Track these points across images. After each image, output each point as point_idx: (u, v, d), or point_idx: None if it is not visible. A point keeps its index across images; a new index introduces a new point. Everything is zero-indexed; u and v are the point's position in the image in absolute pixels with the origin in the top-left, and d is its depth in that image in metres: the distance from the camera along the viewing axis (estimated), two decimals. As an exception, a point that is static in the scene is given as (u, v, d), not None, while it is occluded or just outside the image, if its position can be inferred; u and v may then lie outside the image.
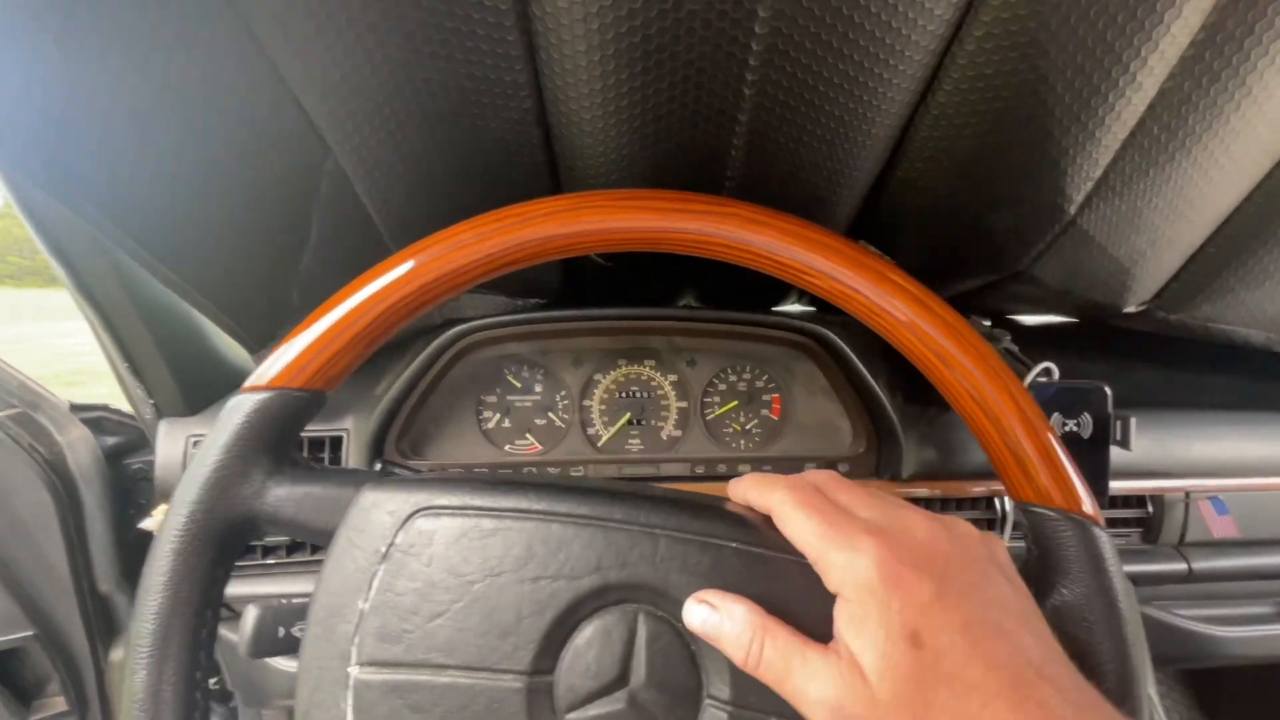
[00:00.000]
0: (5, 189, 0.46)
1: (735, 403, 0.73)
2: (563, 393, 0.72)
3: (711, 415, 0.73)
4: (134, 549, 0.76)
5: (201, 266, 0.48)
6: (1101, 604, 0.32)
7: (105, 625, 0.75)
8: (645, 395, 0.73)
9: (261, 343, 0.60)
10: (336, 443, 0.64)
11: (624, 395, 0.73)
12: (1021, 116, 0.45)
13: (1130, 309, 0.68)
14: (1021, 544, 0.58)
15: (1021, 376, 0.62)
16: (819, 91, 0.44)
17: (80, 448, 0.72)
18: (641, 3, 0.37)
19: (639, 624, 0.31)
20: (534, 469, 0.69)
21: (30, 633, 0.69)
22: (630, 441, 0.72)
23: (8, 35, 0.32)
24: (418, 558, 0.32)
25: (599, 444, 0.72)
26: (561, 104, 0.44)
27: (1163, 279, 0.64)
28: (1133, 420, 0.57)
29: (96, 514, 0.73)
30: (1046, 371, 0.61)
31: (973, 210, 0.58)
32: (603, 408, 0.72)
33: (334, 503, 0.34)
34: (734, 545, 0.31)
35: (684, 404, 0.73)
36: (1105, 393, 0.58)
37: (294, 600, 0.41)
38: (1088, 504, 0.33)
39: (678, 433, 0.73)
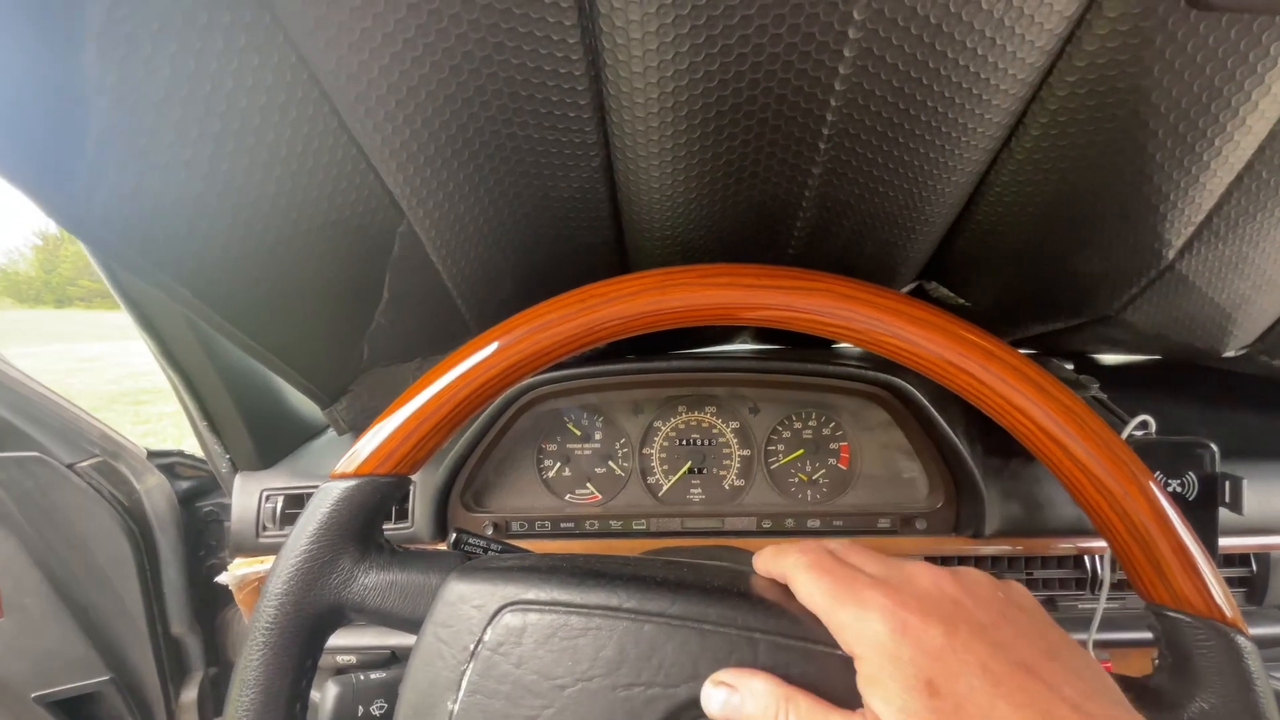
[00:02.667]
0: (100, 273, 0.48)
1: (801, 451, 0.71)
2: (622, 440, 0.71)
3: (776, 464, 0.71)
4: (205, 591, 0.78)
5: (279, 333, 0.49)
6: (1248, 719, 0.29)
7: (177, 667, 0.77)
8: (706, 443, 0.71)
9: (333, 397, 0.61)
10: (404, 495, 0.64)
11: (684, 443, 0.71)
12: (1116, 162, 0.43)
13: (1230, 353, 0.63)
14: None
15: (1116, 430, 0.58)
16: (898, 143, 0.43)
17: (157, 495, 0.75)
18: (717, 65, 0.36)
19: None
20: (595, 521, 0.68)
21: (106, 677, 0.71)
22: (691, 491, 0.71)
23: (108, 139, 0.33)
24: (507, 657, 0.31)
25: (659, 494, 0.70)
26: (629, 161, 0.44)
27: (1267, 323, 0.59)
28: (1244, 481, 0.53)
29: (170, 559, 0.75)
30: (1143, 425, 0.57)
31: (1057, 254, 0.55)
32: (663, 456, 0.71)
33: (419, 591, 0.34)
34: (839, 653, 0.29)
35: (746, 452, 0.71)
36: (1212, 450, 0.54)
37: (372, 676, 0.40)
38: (1230, 610, 0.30)
39: (740, 482, 0.71)
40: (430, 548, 0.53)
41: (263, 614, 0.32)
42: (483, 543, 0.45)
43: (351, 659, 0.63)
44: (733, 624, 0.30)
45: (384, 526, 0.64)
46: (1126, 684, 0.31)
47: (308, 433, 0.72)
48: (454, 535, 0.44)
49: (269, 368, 0.51)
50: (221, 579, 0.61)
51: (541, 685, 0.30)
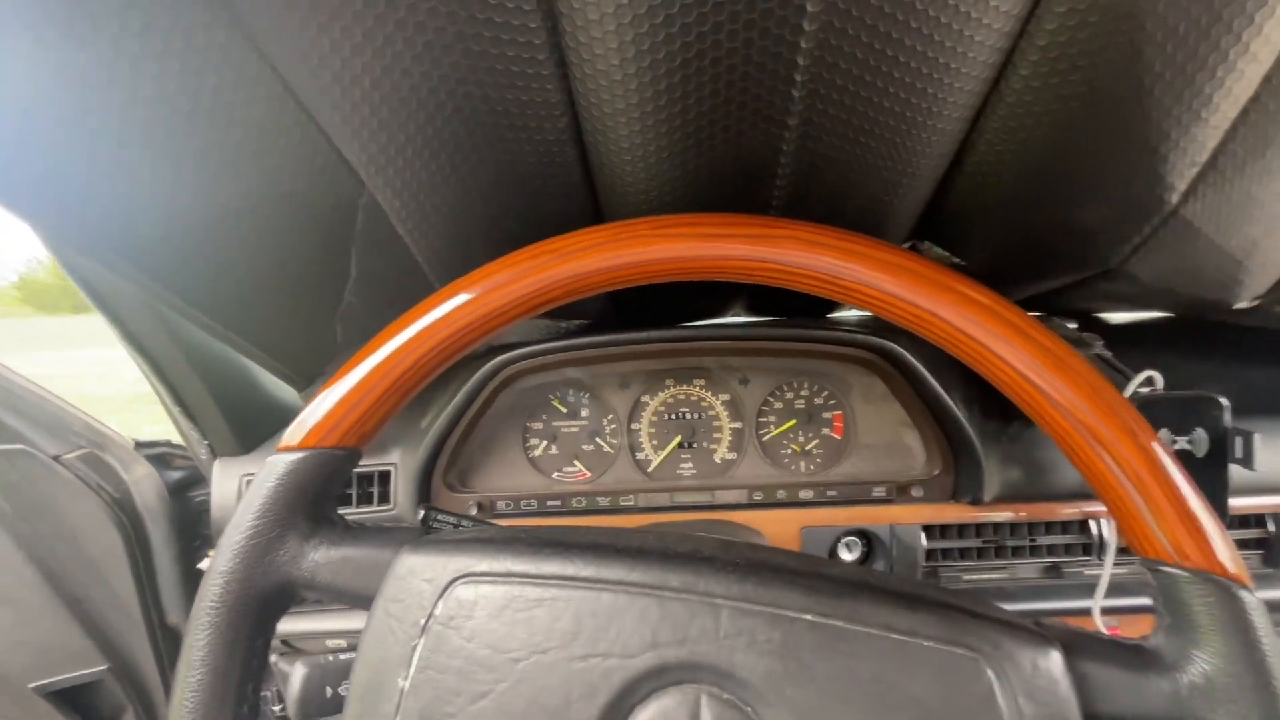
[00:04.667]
0: (50, 253, 0.47)
1: (793, 422, 0.68)
2: (610, 416, 0.69)
3: (768, 436, 0.69)
4: (200, 581, 0.78)
5: (242, 312, 0.48)
6: (1253, 681, 0.27)
7: (175, 657, 0.77)
8: (696, 416, 0.69)
9: (308, 380, 0.59)
10: (385, 477, 0.63)
11: (673, 417, 0.69)
12: (1111, 100, 0.40)
13: (1242, 305, 0.60)
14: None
15: (1120, 387, 0.55)
16: (876, 88, 0.40)
17: (146, 485, 0.74)
18: (678, 8, 0.34)
19: (702, 708, 0.28)
20: (583, 498, 0.67)
21: (105, 666, 0.71)
22: (682, 466, 0.69)
23: (38, 111, 0.32)
24: (458, 631, 0.29)
25: (649, 469, 0.69)
26: (596, 120, 0.42)
27: (1279, 271, 0.56)
28: (1256, 436, 0.50)
29: (163, 549, 0.75)
30: (1149, 381, 0.54)
31: (1054, 205, 0.52)
32: (652, 431, 0.69)
33: (373, 566, 0.32)
34: (808, 618, 0.28)
35: (737, 425, 0.69)
36: (1221, 404, 0.51)
37: (340, 657, 0.39)
38: (1231, 563, 0.28)
39: (732, 455, 0.69)
40: (390, 524, 0.52)
41: (207, 593, 0.31)
42: (452, 519, 0.43)
43: (342, 643, 0.63)
44: (693, 589, 0.28)
45: (366, 510, 0.64)
46: (1123, 647, 0.29)
47: (288, 416, 0.71)
48: (422, 512, 0.43)
49: (236, 349, 0.49)
50: (203, 565, 0.61)
51: (494, 659, 0.29)
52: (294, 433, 0.33)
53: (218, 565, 0.31)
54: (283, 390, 0.72)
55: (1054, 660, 0.27)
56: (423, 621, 0.30)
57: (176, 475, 0.79)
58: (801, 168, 0.48)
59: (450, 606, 0.30)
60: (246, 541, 0.32)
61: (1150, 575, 0.29)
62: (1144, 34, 0.35)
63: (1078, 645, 0.29)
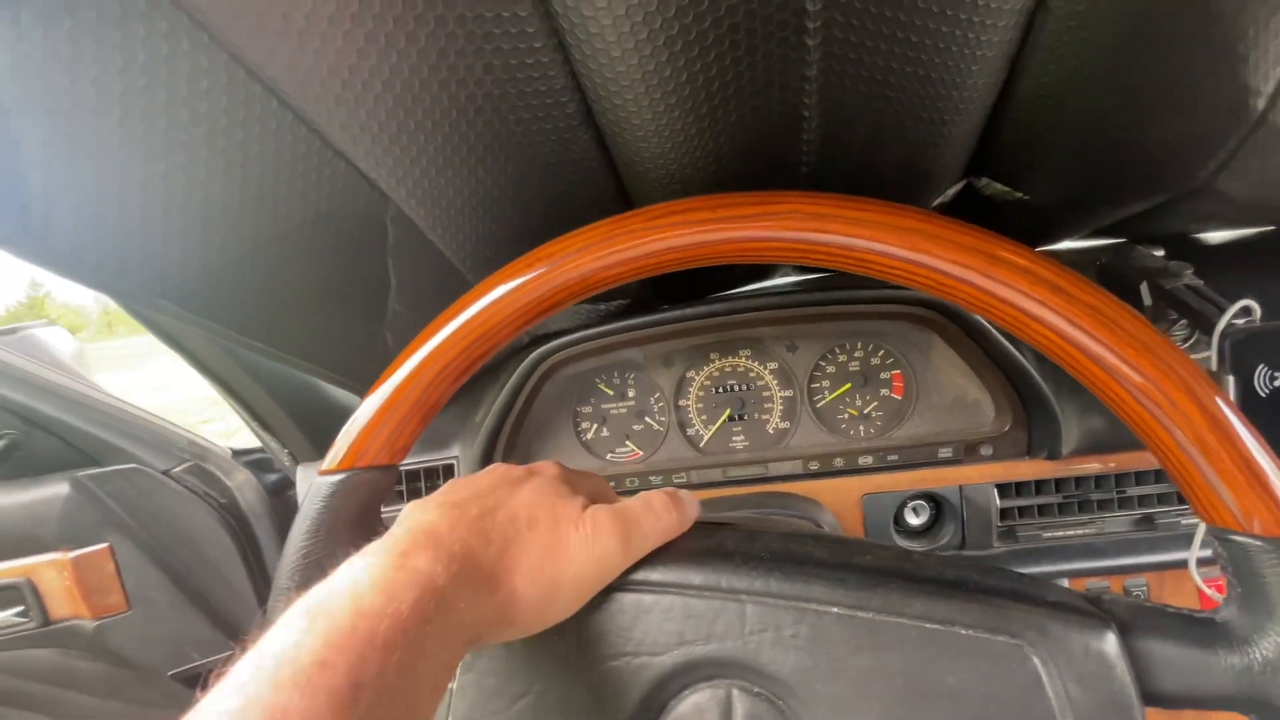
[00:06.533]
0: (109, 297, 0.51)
1: (849, 385, 0.66)
2: (656, 395, 0.69)
3: (822, 402, 0.67)
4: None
5: (292, 335, 0.51)
6: None
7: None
8: (745, 388, 0.68)
9: (368, 386, 0.63)
10: (450, 470, 0.66)
11: (721, 390, 0.68)
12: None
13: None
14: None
15: (1212, 320, 0.49)
16: (899, 22, 0.36)
17: (247, 489, 0.81)
18: None
19: (734, 704, 0.28)
20: (635, 478, 0.67)
21: (233, 651, 0.80)
22: (734, 439, 0.68)
23: (49, 161, 0.34)
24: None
25: (700, 445, 0.68)
26: (604, 99, 0.41)
27: None
28: (1381, 366, 0.44)
29: (270, 545, 0.82)
30: (1245, 311, 0.48)
31: (1121, 125, 0.47)
32: (700, 406, 0.69)
33: None
34: (835, 610, 0.27)
35: (789, 393, 0.67)
36: (1335, 332, 0.45)
37: None
38: None
39: (785, 425, 0.67)
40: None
41: (275, 609, 0.34)
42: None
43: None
44: (716, 587, 0.28)
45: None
46: (1190, 620, 0.27)
47: (357, 421, 0.76)
48: None
49: (293, 368, 0.52)
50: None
51: (529, 661, 0.30)
52: (331, 457, 0.35)
53: (279, 582, 0.34)
54: (349, 397, 0.76)
55: (1108, 641, 0.25)
56: None
57: (273, 477, 0.86)
58: (829, 123, 0.45)
59: None
60: (302, 559, 0.34)
61: (1218, 544, 0.26)
62: None
63: (1138, 621, 0.26)
